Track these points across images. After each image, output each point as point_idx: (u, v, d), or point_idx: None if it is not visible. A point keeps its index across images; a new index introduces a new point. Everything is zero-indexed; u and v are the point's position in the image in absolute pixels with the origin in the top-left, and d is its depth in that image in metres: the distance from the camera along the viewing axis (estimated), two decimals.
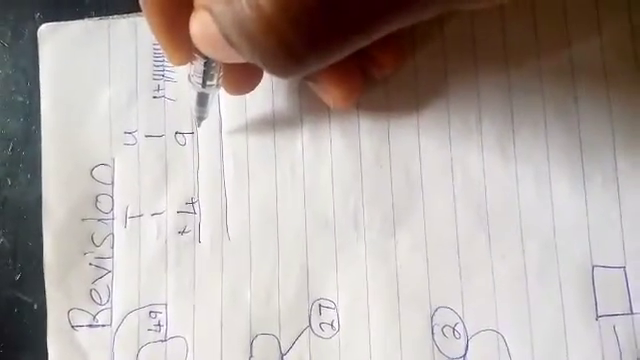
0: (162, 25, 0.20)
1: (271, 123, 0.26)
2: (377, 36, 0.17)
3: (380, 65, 0.23)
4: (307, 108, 0.26)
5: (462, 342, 0.24)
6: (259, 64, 0.17)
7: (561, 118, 0.24)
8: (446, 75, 0.25)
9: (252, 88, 0.24)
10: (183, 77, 0.26)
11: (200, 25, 0.17)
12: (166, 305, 0.25)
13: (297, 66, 0.17)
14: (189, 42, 0.18)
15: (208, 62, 0.20)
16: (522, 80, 0.25)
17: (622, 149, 0.24)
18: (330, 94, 0.23)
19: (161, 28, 0.20)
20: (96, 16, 0.27)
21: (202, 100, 0.23)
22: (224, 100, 0.26)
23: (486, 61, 0.25)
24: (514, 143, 0.24)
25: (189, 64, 0.21)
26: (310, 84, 0.24)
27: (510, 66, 0.25)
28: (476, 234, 0.24)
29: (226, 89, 0.23)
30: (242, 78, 0.23)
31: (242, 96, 0.25)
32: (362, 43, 0.17)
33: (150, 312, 0.25)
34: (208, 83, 0.21)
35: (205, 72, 0.20)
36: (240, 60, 0.17)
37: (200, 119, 0.24)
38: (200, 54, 0.20)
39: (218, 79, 0.21)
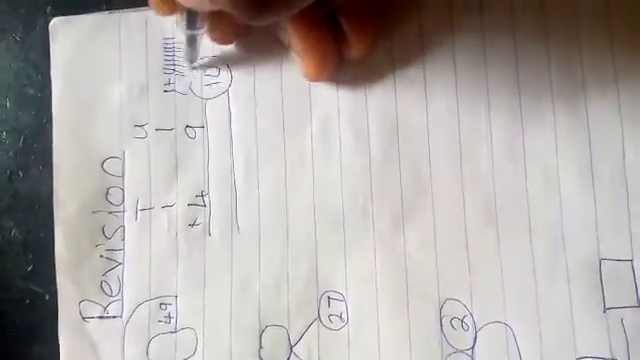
0: None
1: (280, 116, 0.26)
2: None
3: (349, 45, 0.24)
4: (316, 102, 0.26)
5: (470, 334, 0.24)
6: (228, 8, 0.18)
7: (570, 113, 0.24)
8: (455, 71, 0.25)
9: (234, 40, 0.26)
10: (193, 71, 0.26)
11: None
12: (176, 297, 0.25)
13: (264, 7, 0.18)
14: None
15: (189, 10, 0.23)
16: (531, 75, 0.25)
17: (631, 143, 0.24)
18: (304, 66, 0.24)
19: None
20: (107, 10, 0.27)
21: (191, 41, 0.25)
22: (234, 93, 0.26)
23: (495, 57, 0.25)
24: (523, 138, 0.24)
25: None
26: (292, 53, 0.25)
27: (519, 61, 0.25)
28: (485, 228, 0.24)
29: (214, 40, 0.25)
30: (226, 28, 0.25)
31: (251, 89, 0.26)
32: None
33: (160, 304, 0.25)
34: (192, 27, 0.24)
35: (188, 17, 0.23)
36: (209, 8, 0.20)
37: (191, 61, 0.26)
38: (182, 6, 0.23)
39: (200, 23, 0.24)
